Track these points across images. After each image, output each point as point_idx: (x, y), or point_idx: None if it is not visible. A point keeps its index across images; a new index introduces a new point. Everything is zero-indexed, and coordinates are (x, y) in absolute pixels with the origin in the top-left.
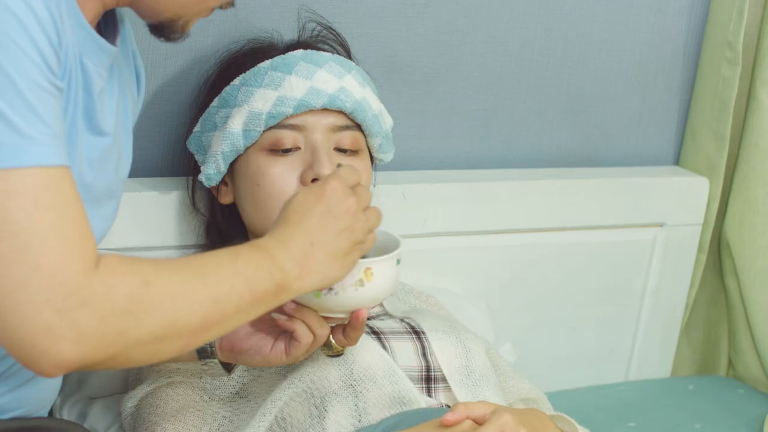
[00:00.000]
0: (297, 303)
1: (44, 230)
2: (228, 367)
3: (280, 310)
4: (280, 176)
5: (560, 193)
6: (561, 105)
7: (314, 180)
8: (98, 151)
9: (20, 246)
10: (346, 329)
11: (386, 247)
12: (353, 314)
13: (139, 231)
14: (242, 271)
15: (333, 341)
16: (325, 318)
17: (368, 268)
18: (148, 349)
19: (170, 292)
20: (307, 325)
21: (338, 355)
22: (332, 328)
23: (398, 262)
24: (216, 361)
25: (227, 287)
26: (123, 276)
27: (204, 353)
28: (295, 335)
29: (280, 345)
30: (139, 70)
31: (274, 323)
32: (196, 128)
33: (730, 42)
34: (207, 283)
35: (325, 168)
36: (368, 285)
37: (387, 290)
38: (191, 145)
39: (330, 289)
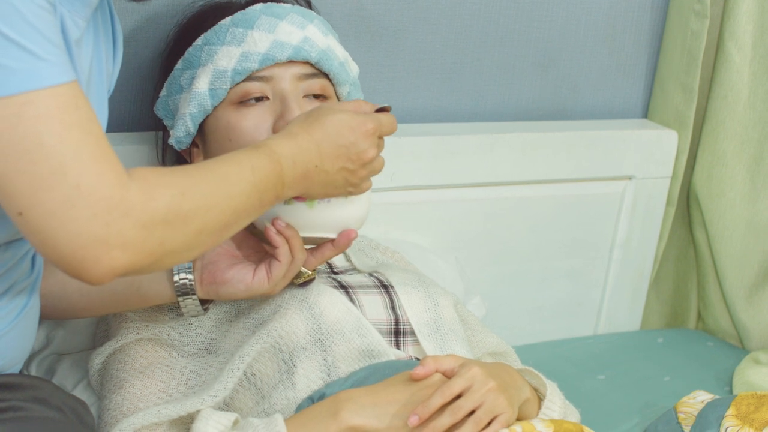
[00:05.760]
0: (286, 222)
1: (75, 149)
2: (204, 308)
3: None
4: (253, 128)
5: (529, 146)
6: (529, 58)
7: None
8: None
9: (58, 167)
10: (322, 249)
11: None
12: (342, 233)
13: None
14: (258, 184)
15: (302, 267)
16: (310, 238)
17: None
18: (177, 257)
19: (203, 203)
20: (290, 246)
21: (308, 282)
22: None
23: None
24: (194, 298)
25: (245, 198)
26: (161, 188)
27: (184, 289)
28: (276, 253)
29: (262, 272)
30: (116, 37)
31: (252, 257)
32: (162, 92)
33: None
34: (230, 194)
35: (297, 115)
36: (355, 196)
37: (366, 211)
38: (159, 110)
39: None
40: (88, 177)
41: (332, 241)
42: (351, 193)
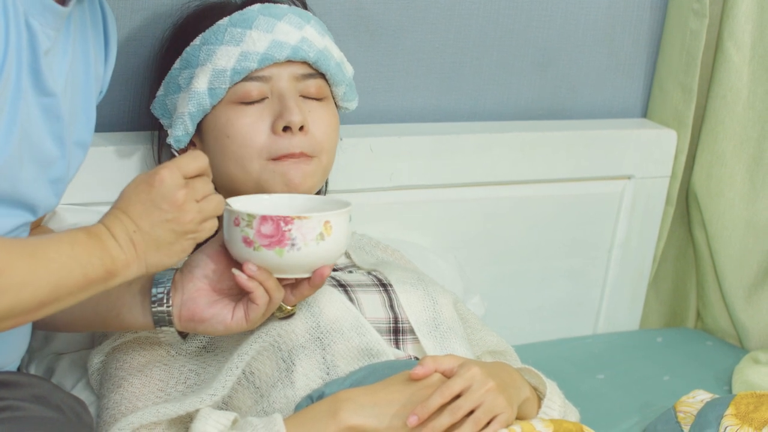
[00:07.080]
0: (258, 266)
1: None
2: (183, 336)
3: (240, 269)
4: (251, 126)
5: (528, 145)
6: (528, 58)
7: (286, 128)
8: (44, 111)
9: None
10: (300, 287)
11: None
12: (316, 272)
13: (99, 186)
14: (79, 257)
15: (282, 303)
16: (285, 279)
17: (327, 221)
18: None
19: (17, 280)
20: (265, 288)
21: (290, 315)
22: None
23: (350, 218)
24: (172, 330)
25: (65, 273)
26: None
27: (161, 322)
28: (251, 297)
29: (240, 311)
30: (109, 38)
31: (233, 291)
32: (160, 92)
33: None
34: (48, 269)
35: (295, 115)
36: (328, 239)
37: (343, 246)
38: (155, 109)
39: (293, 245)
40: None
41: (308, 279)
42: (195, 240)
